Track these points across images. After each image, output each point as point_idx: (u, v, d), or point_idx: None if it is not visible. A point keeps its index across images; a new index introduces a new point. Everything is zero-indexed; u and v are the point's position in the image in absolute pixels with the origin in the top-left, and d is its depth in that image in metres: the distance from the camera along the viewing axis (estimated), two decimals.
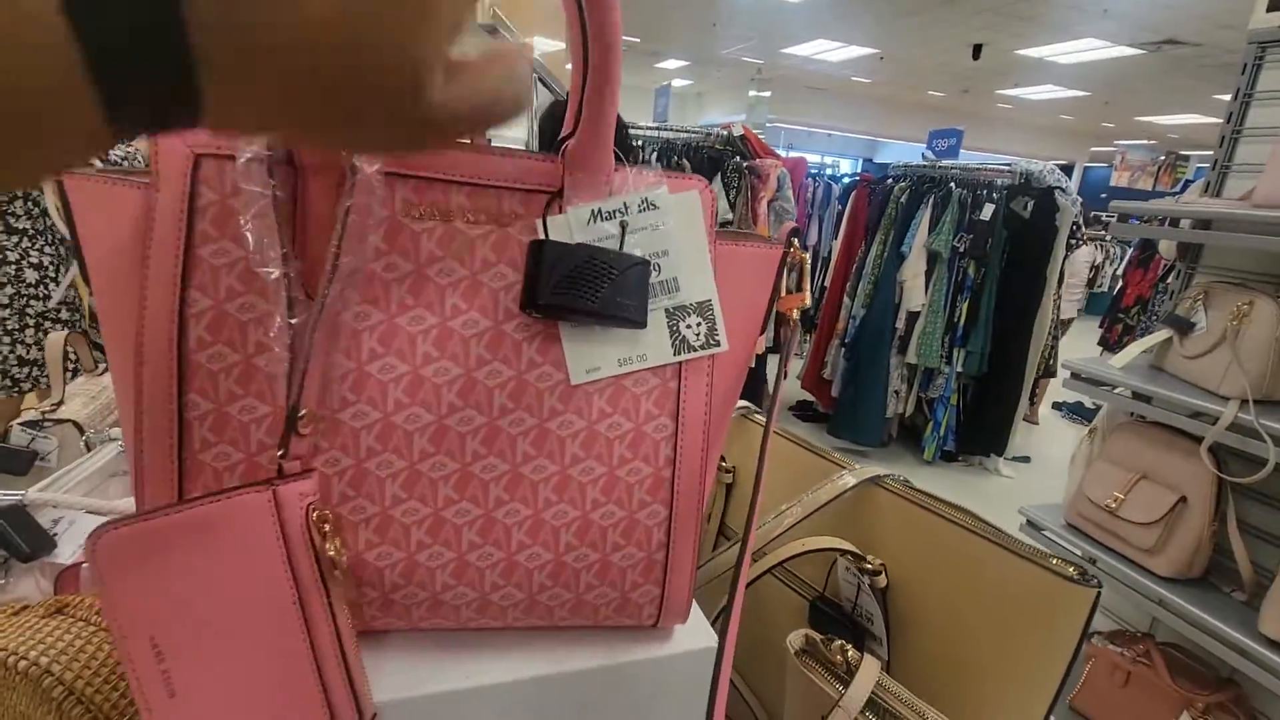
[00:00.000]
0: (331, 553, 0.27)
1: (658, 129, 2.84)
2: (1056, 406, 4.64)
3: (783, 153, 3.39)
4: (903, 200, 3.38)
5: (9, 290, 1.66)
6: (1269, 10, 1.42)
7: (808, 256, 0.35)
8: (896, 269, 3.35)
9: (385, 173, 0.29)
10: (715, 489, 0.71)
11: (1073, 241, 3.36)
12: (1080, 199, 3.39)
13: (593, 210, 0.32)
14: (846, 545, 0.54)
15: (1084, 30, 6.37)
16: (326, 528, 0.28)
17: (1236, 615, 1.25)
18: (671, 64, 10.07)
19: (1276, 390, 1.27)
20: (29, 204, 1.67)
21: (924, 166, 3.58)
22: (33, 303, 1.69)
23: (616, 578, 0.35)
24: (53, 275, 1.73)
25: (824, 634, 0.50)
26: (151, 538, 0.25)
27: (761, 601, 0.63)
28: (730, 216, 2.58)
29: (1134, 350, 1.49)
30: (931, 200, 3.25)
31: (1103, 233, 6.71)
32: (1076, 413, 4.50)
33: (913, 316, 3.33)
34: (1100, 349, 4.11)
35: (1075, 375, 1.53)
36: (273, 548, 0.26)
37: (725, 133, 2.81)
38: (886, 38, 7.52)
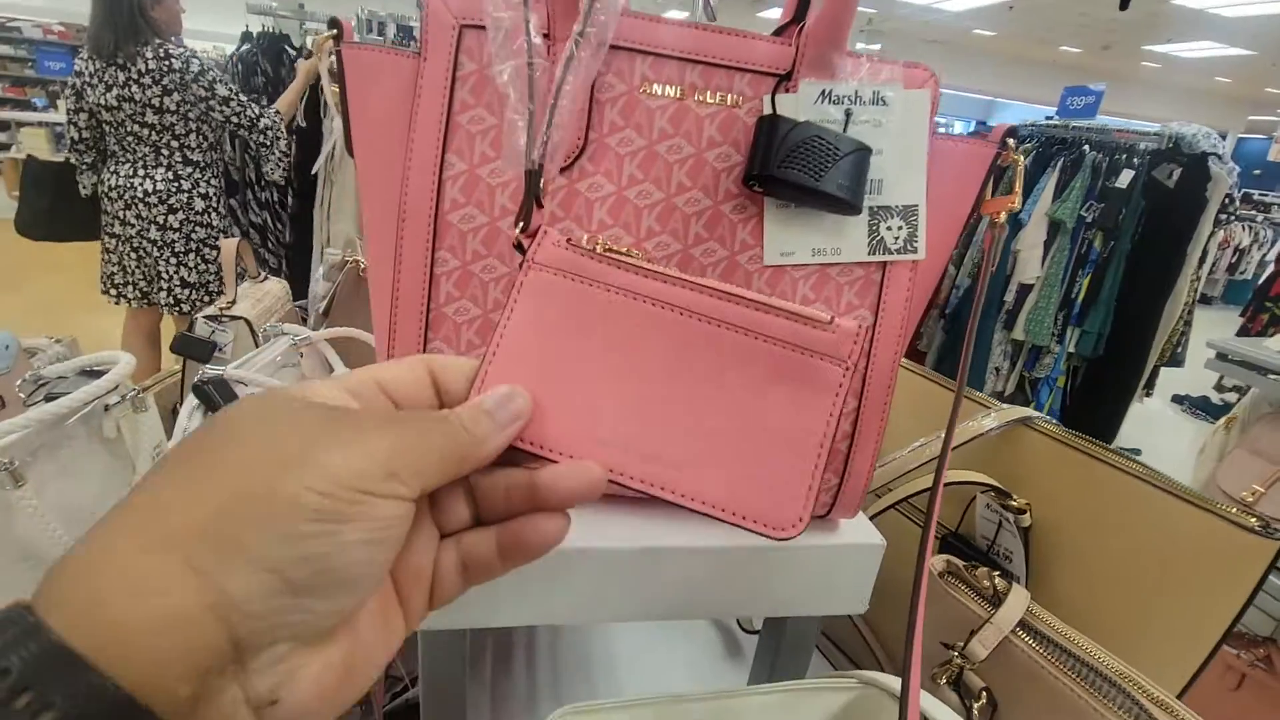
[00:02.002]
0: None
1: None
2: (1178, 399, 4.28)
3: None
4: (1026, 163, 3.14)
5: (180, 215, 1.81)
6: None
7: (1022, 159, 0.34)
8: (1012, 238, 3.13)
9: (624, 48, 0.30)
10: None
11: (1222, 216, 3.03)
12: (1235, 168, 3.04)
13: (822, 90, 0.32)
14: (990, 480, 0.54)
15: None
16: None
17: None
18: (774, 13, 9.62)
19: None
20: (200, 137, 1.81)
21: (1055, 126, 3.30)
22: (198, 229, 1.85)
23: None
24: (215, 205, 1.88)
25: (985, 568, 0.50)
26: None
27: (890, 537, 0.64)
28: None
29: None
30: (1060, 164, 3.00)
31: (1254, 213, 6.02)
32: (1200, 408, 4.14)
33: (1024, 289, 3.13)
34: None
35: (1223, 356, 1.41)
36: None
37: None
38: None
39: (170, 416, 0.77)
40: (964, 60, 10.92)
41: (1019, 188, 0.33)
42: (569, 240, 0.23)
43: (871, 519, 0.60)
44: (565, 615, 0.37)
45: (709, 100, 0.32)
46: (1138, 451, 3.41)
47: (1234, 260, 6.26)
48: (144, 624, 0.14)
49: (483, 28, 0.30)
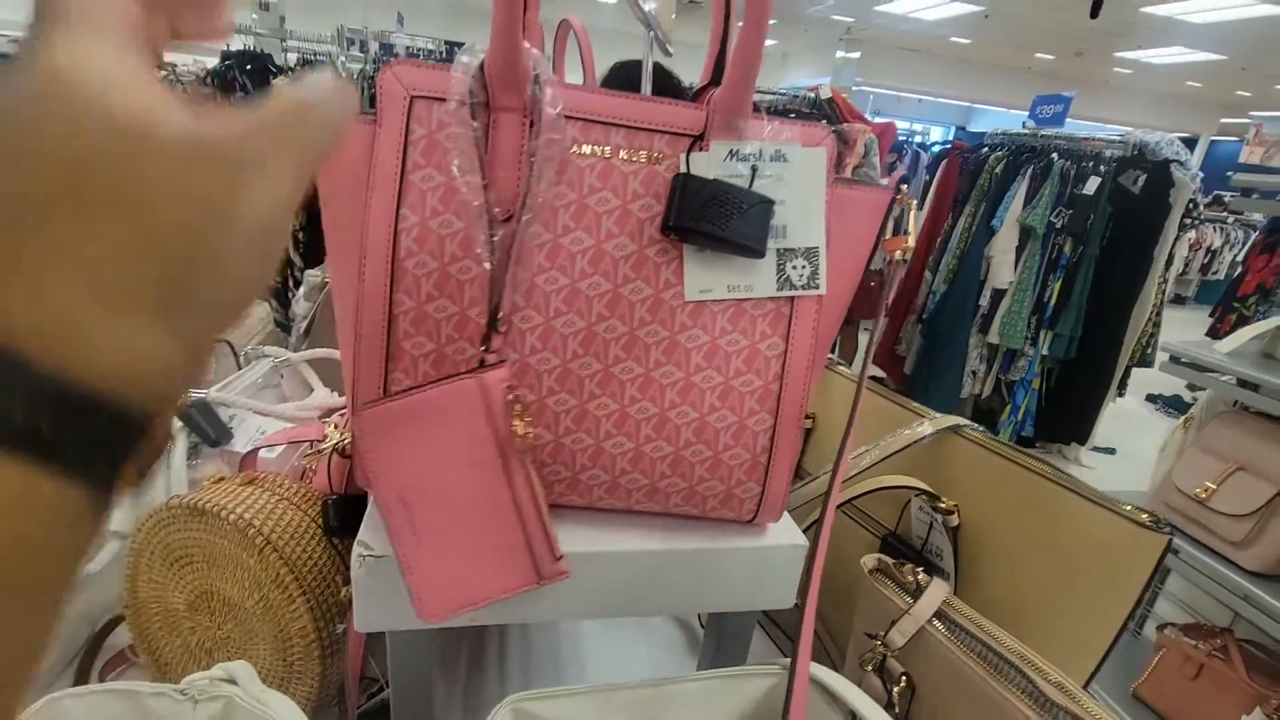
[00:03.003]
0: (521, 428, 0.34)
1: None
2: (1151, 398, 4.38)
3: (870, 118, 3.27)
4: (998, 170, 3.22)
5: None
6: None
7: (914, 202, 0.39)
8: (985, 243, 3.21)
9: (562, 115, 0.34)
10: None
11: (1187, 221, 3.12)
12: (1201, 175, 3.13)
13: (730, 149, 0.37)
14: (922, 485, 0.58)
15: None
16: (518, 407, 0.35)
17: None
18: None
19: None
20: None
21: (1024, 135, 3.39)
22: None
23: (725, 474, 0.40)
24: None
25: (909, 564, 0.54)
26: (395, 414, 0.33)
27: (834, 538, 0.68)
28: None
29: (1245, 335, 1.42)
30: (1030, 171, 3.08)
31: (1224, 214, 6.16)
32: (1173, 406, 4.24)
33: (998, 294, 3.20)
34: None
35: (1175, 359, 1.47)
36: (482, 423, 0.34)
37: (813, 95, 2.75)
38: None
39: None
40: (941, 68, 11.11)
41: (912, 228, 0.38)
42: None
43: (814, 522, 0.65)
44: (520, 615, 0.41)
45: (632, 159, 0.36)
46: (1112, 450, 3.49)
47: (1206, 261, 6.40)
48: None
49: (431, 98, 0.34)
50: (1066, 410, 3.31)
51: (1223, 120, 11.69)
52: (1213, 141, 11.53)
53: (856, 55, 9.90)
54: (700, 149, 0.36)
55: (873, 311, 4.09)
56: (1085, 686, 0.55)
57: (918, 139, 5.02)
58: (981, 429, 0.61)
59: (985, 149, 3.41)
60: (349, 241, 0.35)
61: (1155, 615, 1.80)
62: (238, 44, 2.86)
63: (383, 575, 0.37)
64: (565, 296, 0.37)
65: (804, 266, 0.38)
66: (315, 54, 2.81)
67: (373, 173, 0.34)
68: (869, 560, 0.53)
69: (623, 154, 0.36)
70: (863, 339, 3.96)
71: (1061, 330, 3.13)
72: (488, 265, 0.34)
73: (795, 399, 0.39)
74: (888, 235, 0.39)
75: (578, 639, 0.69)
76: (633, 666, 0.65)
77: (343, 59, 2.86)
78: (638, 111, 0.36)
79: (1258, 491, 1.33)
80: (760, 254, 0.37)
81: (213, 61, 2.48)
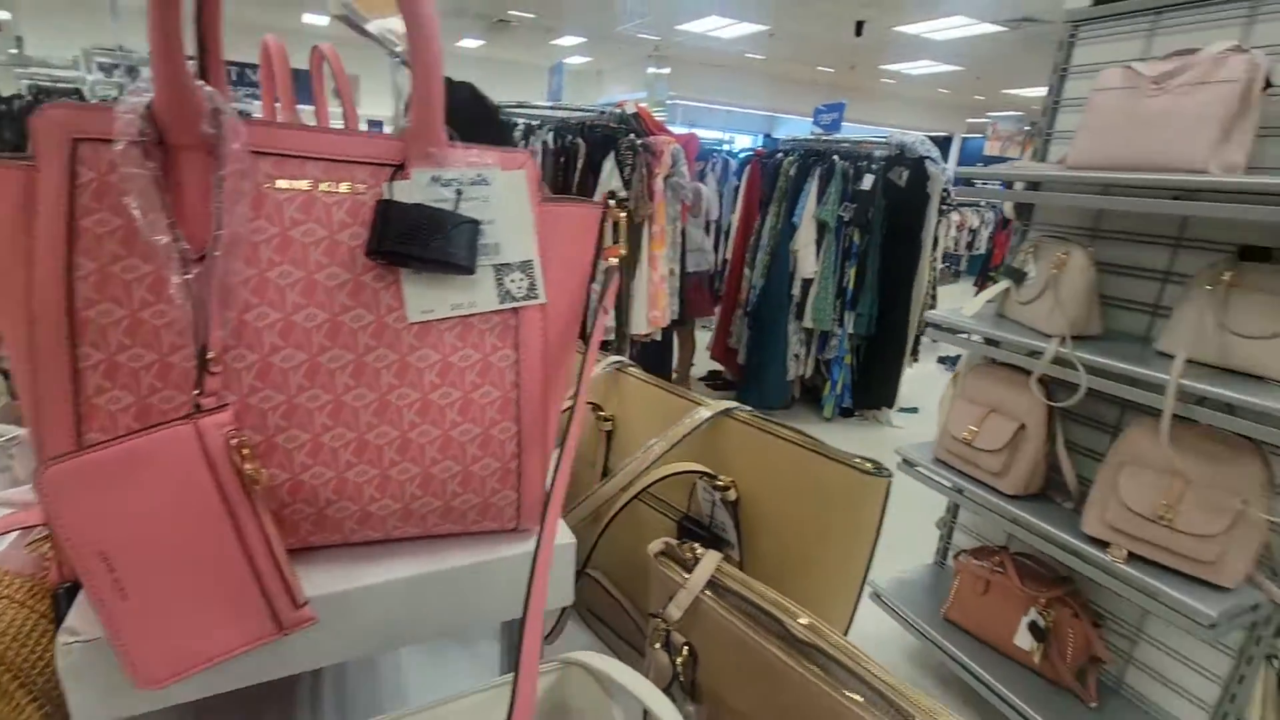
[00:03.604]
0: (250, 470, 0.33)
1: (552, 109, 2.86)
2: (943, 360, 5.06)
3: (683, 129, 3.48)
4: (791, 173, 3.57)
5: None
6: None
7: (624, 215, 0.43)
8: (790, 239, 3.54)
9: (250, 150, 0.33)
10: (596, 436, 0.79)
11: (944, 208, 3.66)
12: (947, 167, 3.69)
13: (432, 176, 0.38)
14: (698, 466, 0.63)
15: (954, 8, 6.84)
16: (246, 451, 0.33)
17: (1067, 521, 1.46)
18: (569, 40, 9.97)
19: (1089, 327, 1.48)
20: None
21: (810, 140, 3.78)
22: None
23: (478, 485, 0.42)
24: None
25: (690, 543, 0.59)
26: (90, 469, 0.30)
27: (640, 525, 0.72)
28: (626, 193, 2.65)
29: (980, 300, 1.69)
30: (818, 173, 3.45)
31: (977, 199, 7.27)
32: (957, 365, 4.92)
33: (807, 283, 3.54)
34: None
35: (935, 326, 1.71)
36: (201, 470, 0.32)
37: (619, 111, 2.86)
38: (776, 14, 7.76)
39: None
40: (744, 81, 12.07)
41: (623, 239, 0.42)
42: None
43: (619, 511, 0.68)
44: (273, 668, 0.39)
45: (334, 190, 0.37)
46: (915, 409, 3.97)
47: (970, 239, 7.49)
48: None
49: (95, 139, 0.32)
50: (875, 380, 3.74)
51: (969, 120, 13.86)
52: (964, 138, 13.62)
53: (667, 71, 10.45)
54: (402, 177, 0.37)
55: (708, 310, 4.32)
56: (851, 618, 0.63)
57: (726, 147, 5.39)
58: (749, 409, 0.68)
59: (780, 154, 3.77)
60: (11, 301, 0.32)
61: (955, 545, 2.08)
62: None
63: (98, 660, 0.33)
64: (280, 331, 0.36)
65: (522, 279, 0.40)
66: (55, 80, 2.44)
67: (35, 220, 0.31)
68: (655, 545, 0.57)
69: (323, 186, 0.36)
70: (700, 337, 4.19)
71: (862, 310, 3.53)
72: (185, 308, 0.32)
73: (535, 403, 0.41)
74: (608, 243, 0.42)
75: (397, 668, 0.66)
76: (455, 684, 0.63)
77: (90, 83, 2.51)
78: (334, 145, 0.36)
79: (1005, 428, 1.58)
80: (469, 270, 0.39)
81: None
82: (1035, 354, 1.44)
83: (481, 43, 10.56)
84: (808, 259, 3.48)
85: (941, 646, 1.78)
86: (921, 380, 4.52)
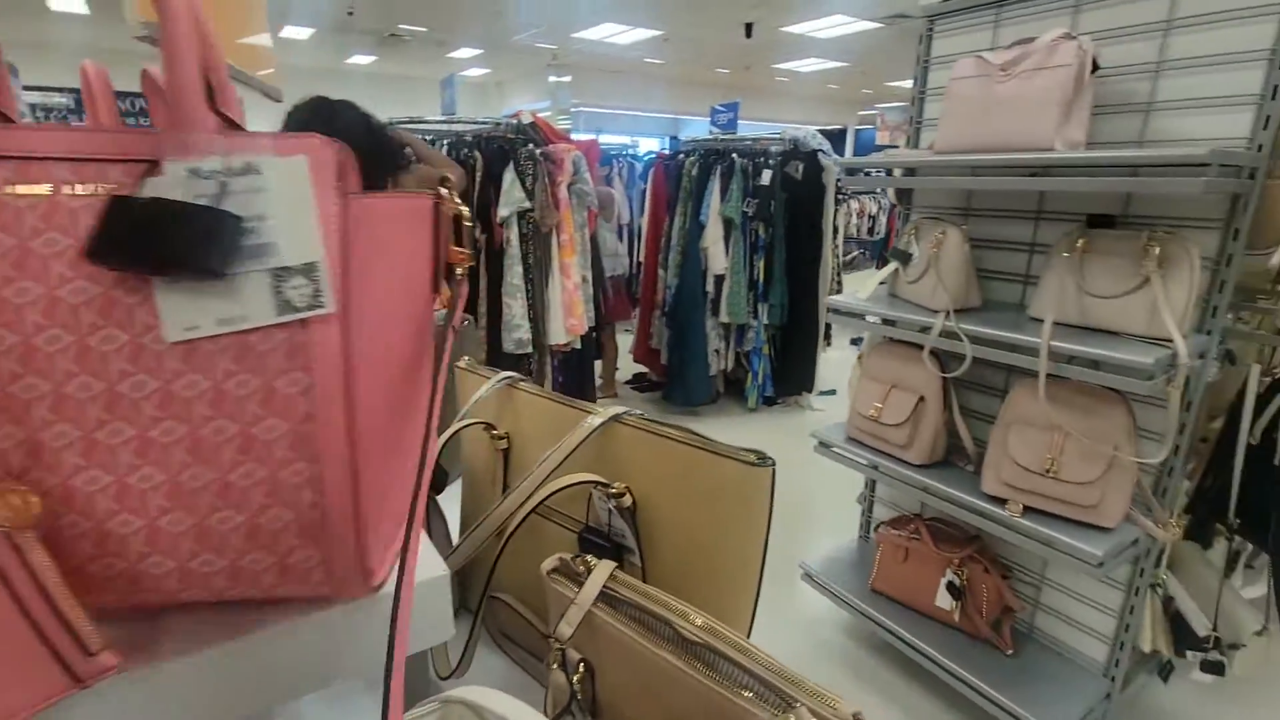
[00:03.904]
0: (6, 525, 0.29)
1: (446, 122, 2.79)
2: (854, 342, 5.27)
3: (586, 136, 3.48)
4: (694, 173, 3.63)
5: None
6: None
7: (464, 209, 0.40)
8: (699, 238, 3.60)
9: None
10: (494, 455, 0.77)
11: (840, 197, 3.83)
12: (839, 159, 3.86)
13: (189, 169, 0.33)
14: (589, 476, 0.63)
15: (833, 7, 7.17)
16: None
17: (969, 483, 1.54)
18: (464, 53, 9.80)
19: (970, 299, 1.58)
20: None
21: (709, 140, 3.87)
22: None
23: (268, 541, 0.36)
24: None
25: (584, 556, 0.58)
26: None
27: (543, 540, 0.71)
28: (529, 204, 2.62)
29: (872, 283, 1.77)
30: (719, 171, 3.53)
31: (872, 188, 7.62)
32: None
33: (719, 280, 3.61)
34: None
35: (836, 310, 1.78)
36: None
37: (515, 121, 2.83)
38: (667, 19, 7.91)
39: None
40: (646, 85, 12.23)
41: (465, 239, 0.39)
42: None
43: (515, 529, 0.66)
44: None
45: (81, 192, 0.32)
46: (833, 391, 4.11)
47: (871, 225, 7.86)
48: None
49: None
50: (793, 367, 3.86)
51: (860, 112, 14.58)
52: (857, 130, 14.32)
53: (568, 79, 10.44)
54: (156, 173, 0.33)
55: (627, 313, 4.32)
56: (754, 610, 0.63)
57: (630, 152, 5.44)
58: (638, 413, 0.68)
59: (682, 155, 3.83)
60: None
61: (876, 519, 2.17)
62: None
63: None
64: (19, 357, 0.32)
65: (304, 284, 0.34)
66: None
67: None
68: (548, 562, 0.56)
69: (69, 189, 0.32)
70: (622, 340, 4.20)
71: (773, 300, 3.64)
72: None
73: (337, 438, 0.35)
74: (452, 244, 0.40)
75: (298, 715, 0.62)
76: None
77: None
78: (80, 143, 0.32)
79: (907, 401, 1.66)
80: (217, 274, 0.33)
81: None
82: (925, 329, 1.52)
83: (373, 58, 10.23)
84: (718, 256, 3.55)
85: (871, 617, 1.85)
86: (839, 363, 4.70)
